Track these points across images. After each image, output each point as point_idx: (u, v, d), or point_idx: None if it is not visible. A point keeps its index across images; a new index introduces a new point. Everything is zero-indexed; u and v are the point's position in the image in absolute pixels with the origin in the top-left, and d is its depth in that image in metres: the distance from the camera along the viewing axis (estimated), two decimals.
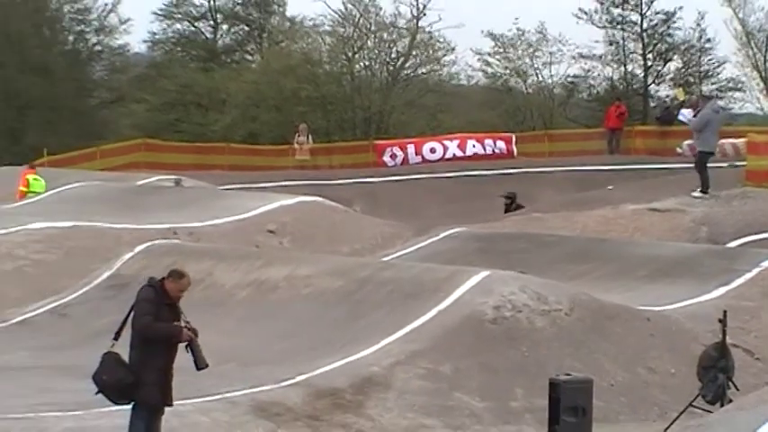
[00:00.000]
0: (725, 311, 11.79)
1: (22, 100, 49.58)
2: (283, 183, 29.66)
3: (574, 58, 47.86)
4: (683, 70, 47.54)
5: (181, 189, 25.34)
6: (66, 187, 24.43)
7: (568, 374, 11.41)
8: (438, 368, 12.51)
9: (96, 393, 9.50)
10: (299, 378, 12.10)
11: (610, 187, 26.85)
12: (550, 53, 47.62)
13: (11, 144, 45.04)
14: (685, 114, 23.38)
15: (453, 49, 47.57)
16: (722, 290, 15.52)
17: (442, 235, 20.37)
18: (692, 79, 47.24)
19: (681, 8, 46.25)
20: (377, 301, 14.10)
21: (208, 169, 33.16)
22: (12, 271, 18.05)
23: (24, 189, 25.98)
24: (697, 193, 21.69)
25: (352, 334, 13.36)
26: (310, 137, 35.07)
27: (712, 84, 47.43)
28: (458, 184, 30.88)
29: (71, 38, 54.31)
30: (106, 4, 52.61)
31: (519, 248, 18.46)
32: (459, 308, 13.37)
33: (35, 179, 26.29)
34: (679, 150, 30.47)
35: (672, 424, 11.33)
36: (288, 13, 51.85)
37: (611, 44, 47.66)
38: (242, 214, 21.05)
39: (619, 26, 47.50)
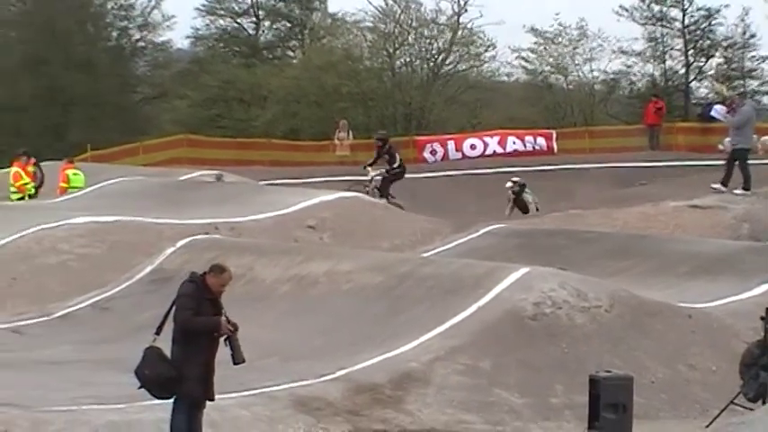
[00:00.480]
0: (767, 309, 11.73)
1: (66, 96, 49.94)
2: (324, 178, 29.72)
3: (614, 51, 47.60)
4: (725, 67, 47.15)
5: (222, 184, 25.46)
6: (109, 182, 24.57)
7: (608, 371, 11.40)
8: (477, 364, 12.51)
9: (139, 388, 9.60)
10: (339, 373, 12.14)
11: (643, 182, 26.74)
12: (590, 49, 47.46)
13: (54, 141, 45.28)
14: (719, 111, 23.33)
15: (494, 45, 47.59)
16: (764, 287, 15.40)
17: (481, 231, 20.36)
18: (734, 75, 46.84)
19: (727, 6, 45.90)
20: (417, 296, 14.11)
21: (249, 165, 33.31)
22: (56, 265, 18.18)
23: (65, 185, 25.54)
24: (738, 190, 21.64)
25: (391, 329, 13.39)
26: (351, 133, 35.15)
27: (755, 80, 47.07)
28: (498, 180, 30.80)
29: (114, 34, 54.69)
30: (150, 1, 53.07)
31: (558, 245, 18.42)
32: (499, 304, 13.35)
33: (74, 174, 25.90)
34: (720, 147, 30.24)
35: (713, 421, 11.30)
36: (329, 10, 52.10)
37: (651, 40, 47.39)
38: (282, 210, 21.13)
39: (659, 23, 47.18)
